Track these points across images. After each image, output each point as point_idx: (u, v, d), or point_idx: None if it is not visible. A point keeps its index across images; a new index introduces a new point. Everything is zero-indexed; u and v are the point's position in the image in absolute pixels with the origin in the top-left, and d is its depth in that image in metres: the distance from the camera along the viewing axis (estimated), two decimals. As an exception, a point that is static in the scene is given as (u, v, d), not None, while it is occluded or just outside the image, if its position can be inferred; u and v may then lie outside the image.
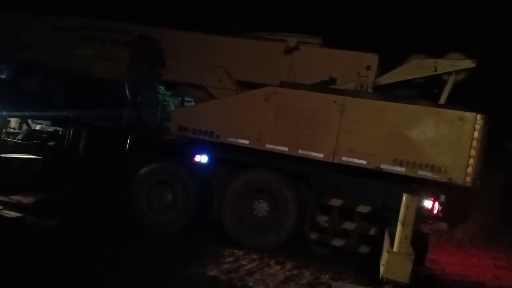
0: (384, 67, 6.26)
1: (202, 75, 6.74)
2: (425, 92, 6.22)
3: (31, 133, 8.60)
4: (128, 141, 6.77)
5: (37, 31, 7.47)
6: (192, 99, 7.67)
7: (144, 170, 6.60)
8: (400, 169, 5.47)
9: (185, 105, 10.41)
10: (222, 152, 6.29)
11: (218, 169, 6.56)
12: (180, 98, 11.13)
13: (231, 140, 6.12)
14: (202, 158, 6.46)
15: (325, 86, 6.14)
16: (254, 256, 5.65)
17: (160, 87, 11.31)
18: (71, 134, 7.21)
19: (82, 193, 6.97)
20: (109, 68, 7.16)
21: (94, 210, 6.80)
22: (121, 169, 6.85)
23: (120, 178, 6.76)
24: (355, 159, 5.64)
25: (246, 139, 6.07)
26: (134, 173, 6.61)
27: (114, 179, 6.83)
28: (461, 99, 5.85)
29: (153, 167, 6.59)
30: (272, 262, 5.52)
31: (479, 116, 5.25)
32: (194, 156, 6.48)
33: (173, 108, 10.82)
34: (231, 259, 5.49)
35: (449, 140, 5.31)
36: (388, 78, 6.17)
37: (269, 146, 5.96)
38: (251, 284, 4.65)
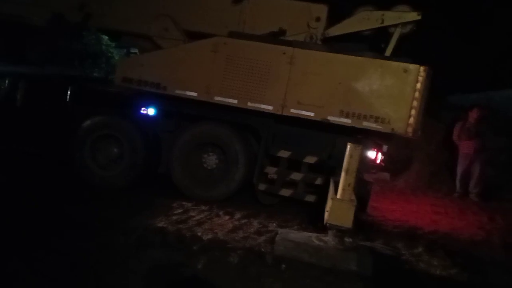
0: (333, 19, 6.24)
1: (147, 24, 6.43)
2: (374, 45, 6.29)
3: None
4: (69, 92, 6.45)
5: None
6: (137, 50, 7.35)
7: (87, 123, 6.35)
8: (346, 121, 5.58)
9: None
10: (170, 105, 6.14)
11: (165, 122, 6.43)
12: (125, 49, 10.66)
13: (178, 92, 5.97)
14: (148, 111, 6.30)
15: (275, 37, 6.05)
16: (203, 208, 5.68)
17: (104, 37, 10.81)
18: (6, 85, 6.74)
19: (21, 147, 6.62)
20: (46, 15, 6.67)
21: (35, 165, 6.53)
22: (63, 122, 6.55)
23: (62, 132, 6.47)
24: (303, 111, 5.68)
25: (195, 91, 5.93)
26: (77, 127, 6.35)
27: (55, 133, 6.53)
28: (407, 52, 5.96)
29: (96, 120, 6.35)
30: (221, 212, 5.58)
31: (422, 68, 5.38)
32: (140, 109, 6.29)
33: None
34: (180, 210, 5.50)
35: (393, 91, 5.44)
36: (337, 30, 6.16)
37: (218, 99, 5.87)
38: (199, 234, 4.69)
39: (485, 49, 12.87)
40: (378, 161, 6.00)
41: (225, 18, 6.29)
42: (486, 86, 11.41)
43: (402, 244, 5.22)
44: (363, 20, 6.00)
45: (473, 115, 8.49)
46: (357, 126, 5.56)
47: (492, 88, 11.19)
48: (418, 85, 5.38)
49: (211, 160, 6.21)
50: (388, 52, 5.96)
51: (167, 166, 6.29)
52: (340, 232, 4.32)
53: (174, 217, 5.23)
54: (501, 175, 8.73)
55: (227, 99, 5.83)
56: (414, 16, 5.85)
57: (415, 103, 5.40)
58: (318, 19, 6.10)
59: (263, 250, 4.41)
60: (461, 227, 6.45)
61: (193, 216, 5.33)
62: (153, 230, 4.69)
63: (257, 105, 5.78)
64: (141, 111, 6.32)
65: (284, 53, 5.68)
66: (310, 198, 5.89)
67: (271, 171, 6.00)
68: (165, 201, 5.76)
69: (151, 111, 6.31)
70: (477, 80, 12.04)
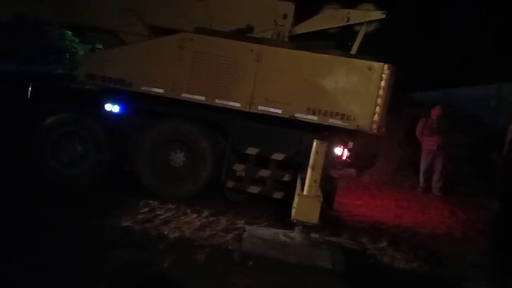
0: (300, 17, 6.29)
1: (112, 19, 6.28)
2: (341, 43, 6.37)
3: None
4: (29, 89, 6.23)
5: None
6: (102, 46, 7.17)
7: (49, 120, 6.15)
8: (313, 118, 5.64)
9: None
10: (135, 102, 6.03)
11: (131, 119, 6.30)
12: (90, 45, 10.40)
13: (144, 88, 5.86)
14: (113, 108, 6.16)
15: (242, 34, 6.04)
16: (170, 206, 5.62)
17: (68, 32, 10.51)
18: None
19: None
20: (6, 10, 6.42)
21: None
22: (25, 120, 6.33)
23: (24, 130, 6.25)
24: (271, 108, 5.70)
25: (161, 88, 5.85)
26: (39, 124, 6.14)
27: (17, 130, 6.30)
28: (371, 50, 6.07)
29: (59, 118, 6.16)
30: (188, 210, 5.53)
31: (386, 66, 5.49)
32: (104, 106, 6.15)
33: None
34: (146, 209, 5.42)
35: (358, 89, 5.53)
36: (304, 28, 6.20)
37: (185, 95, 5.81)
38: (166, 233, 4.64)
39: (446, 48, 13.27)
40: (344, 158, 6.09)
41: (192, 14, 6.21)
42: (446, 84, 11.79)
43: (367, 238, 5.34)
44: (330, 18, 6.06)
45: (435, 112, 8.76)
46: (324, 123, 5.62)
47: (451, 86, 11.58)
48: (382, 83, 5.49)
49: (178, 157, 6.14)
50: (353, 50, 6.04)
51: (133, 164, 6.19)
52: (307, 228, 4.37)
53: (140, 216, 5.15)
54: (461, 170, 9.06)
55: (195, 96, 5.78)
56: (378, 14, 5.96)
57: (379, 101, 5.51)
58: (285, 17, 6.12)
59: (230, 247, 4.40)
60: (423, 221, 6.65)
61: (160, 215, 5.27)
62: (119, 230, 4.62)
63: (224, 102, 5.76)
64: (106, 108, 6.18)
65: (251, 50, 5.68)
66: (278, 194, 5.93)
67: (239, 168, 5.99)
68: (131, 200, 5.67)
69: (116, 108, 6.17)
70: (437, 78, 12.40)
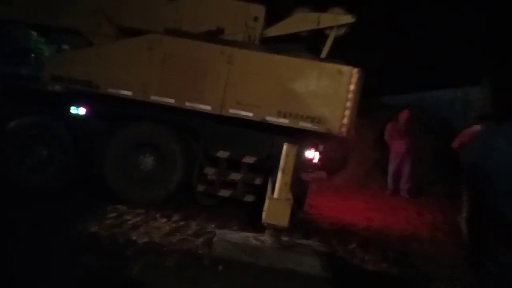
0: (271, 19, 6.30)
1: (79, 20, 6.12)
2: (312, 46, 6.41)
3: None
4: (-8, 91, 6.01)
5: None
6: (68, 46, 6.98)
7: (13, 124, 5.94)
8: (284, 121, 5.64)
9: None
10: (103, 104, 5.89)
11: (99, 122, 6.15)
12: (56, 46, 10.11)
13: (112, 91, 5.74)
14: (79, 110, 6.00)
15: (213, 36, 6.00)
16: (139, 211, 5.50)
17: (33, 32, 10.18)
18: None
19: None
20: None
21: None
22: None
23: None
24: (242, 112, 5.68)
25: (129, 90, 5.73)
26: (1, 128, 5.92)
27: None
28: (342, 54, 6.13)
29: (23, 121, 5.96)
30: (158, 215, 5.43)
31: (355, 70, 5.55)
32: (70, 108, 5.98)
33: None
34: (114, 214, 5.28)
35: (328, 92, 5.57)
36: (275, 31, 6.21)
37: (154, 98, 5.72)
38: (134, 238, 4.54)
39: (417, 52, 13.59)
40: (315, 161, 6.12)
41: (161, 15, 6.12)
42: (418, 87, 12.05)
43: (337, 240, 5.38)
44: (300, 22, 6.09)
45: (403, 115, 8.93)
46: (294, 126, 5.64)
47: (423, 89, 11.84)
48: (352, 87, 5.55)
49: (147, 161, 6.02)
50: (324, 54, 6.10)
51: (101, 168, 6.03)
52: (277, 231, 4.36)
53: (108, 221, 5.02)
54: (429, 172, 9.27)
55: (164, 99, 5.70)
56: (348, 18, 6.03)
57: (348, 104, 5.56)
58: (256, 19, 6.12)
59: (200, 252, 4.34)
60: (392, 222, 6.76)
61: (128, 220, 5.15)
62: (86, 235, 4.49)
63: (195, 105, 5.70)
64: (72, 111, 6.01)
65: (222, 53, 5.64)
66: (250, 198, 5.90)
67: (210, 171, 5.93)
68: (99, 205, 5.52)
69: (82, 111, 6.01)
70: (409, 81, 12.67)
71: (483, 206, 3.77)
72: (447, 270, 4.79)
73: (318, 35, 6.25)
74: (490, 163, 3.34)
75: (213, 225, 5.30)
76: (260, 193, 5.54)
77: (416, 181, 8.91)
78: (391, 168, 8.86)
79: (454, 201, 8.18)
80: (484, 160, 3.40)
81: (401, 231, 6.30)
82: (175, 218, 5.42)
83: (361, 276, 4.36)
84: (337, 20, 6.01)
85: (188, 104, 5.69)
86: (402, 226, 6.59)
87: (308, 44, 6.41)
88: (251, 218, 5.50)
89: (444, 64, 12.59)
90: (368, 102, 8.68)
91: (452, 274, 4.66)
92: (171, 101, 5.69)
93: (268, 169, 5.68)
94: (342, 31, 6.10)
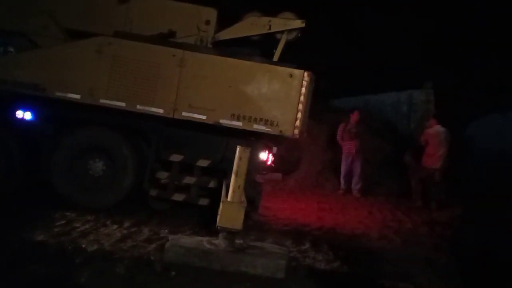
0: (224, 23, 6.32)
1: (24, 21, 5.91)
2: (266, 50, 6.48)
3: None
4: None
5: None
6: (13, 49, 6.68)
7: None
8: (238, 124, 5.68)
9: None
10: (50, 108, 5.70)
11: (46, 127, 5.93)
12: (1, 48, 9.64)
13: (59, 94, 5.56)
14: (25, 114, 5.76)
15: (164, 39, 5.94)
16: (89, 217, 5.35)
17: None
18: None
19: None
20: None
21: None
22: None
23: None
24: (195, 114, 5.66)
25: (77, 94, 5.58)
26: None
27: None
28: (294, 58, 6.24)
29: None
30: (108, 221, 5.30)
31: (306, 73, 5.67)
32: (15, 112, 5.74)
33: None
34: (63, 221, 5.12)
35: (280, 95, 5.66)
36: (227, 34, 6.24)
37: (104, 101, 5.59)
38: (83, 246, 4.40)
39: (364, 57, 14.11)
40: (269, 163, 6.19)
41: (110, 17, 6.01)
42: (364, 90, 12.51)
43: (290, 241, 5.46)
44: (251, 26, 6.15)
45: (353, 117, 9.21)
46: (248, 128, 5.69)
47: (369, 92, 12.30)
48: (303, 90, 5.66)
49: (97, 166, 5.86)
50: (275, 58, 6.18)
51: (49, 174, 5.81)
52: (231, 234, 4.37)
53: (56, 229, 4.86)
54: (377, 172, 9.62)
55: (114, 102, 5.58)
56: (298, 23, 6.14)
57: (300, 107, 5.67)
58: (207, 22, 6.12)
59: (152, 258, 4.27)
60: (343, 222, 6.95)
61: (77, 227, 4.99)
62: (32, 244, 4.31)
63: (147, 108, 5.62)
64: (17, 115, 5.76)
65: (173, 55, 5.60)
66: (204, 201, 5.87)
67: (163, 175, 5.86)
68: (46, 212, 5.33)
69: (28, 115, 5.78)
70: (356, 85, 13.13)
71: None
72: (394, 266, 4.98)
73: (270, 39, 6.34)
74: None
75: (166, 230, 5.24)
76: (215, 196, 5.52)
77: (367, 181, 9.22)
78: (343, 169, 9.11)
79: (400, 199, 8.58)
80: None
81: (352, 230, 6.49)
82: (126, 224, 5.31)
83: (313, 276, 4.44)
84: (287, 24, 6.11)
85: (139, 108, 5.60)
86: (353, 225, 6.79)
87: (261, 48, 6.49)
88: (206, 222, 5.49)
89: (388, 68, 13.16)
90: (318, 105, 8.92)
91: (398, 269, 4.86)
92: (122, 104, 5.59)
93: (222, 172, 5.68)
94: (292, 35, 6.21)
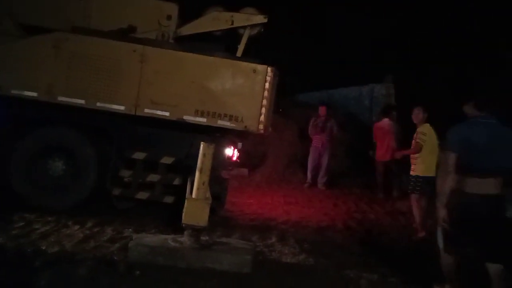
0: (186, 18, 6.24)
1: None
2: (231, 46, 6.45)
3: None
4: None
5: None
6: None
7: None
8: (202, 120, 5.64)
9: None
10: (5, 106, 5.47)
11: (2, 126, 5.70)
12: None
13: (15, 92, 5.38)
14: (-23, 113, 5.52)
15: (124, 34, 5.81)
16: (49, 219, 5.19)
17: None
18: None
19: None
20: None
21: None
22: None
23: None
24: (157, 111, 5.59)
25: (34, 91, 5.41)
26: None
27: None
28: (259, 54, 6.24)
29: None
30: (70, 222, 5.15)
31: (269, 69, 5.69)
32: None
33: None
34: (22, 223, 4.95)
35: (244, 91, 5.66)
36: (189, 29, 6.18)
37: (62, 99, 5.44)
38: (44, 248, 4.26)
39: (328, 52, 14.32)
40: (234, 158, 6.19)
41: (68, 12, 5.84)
42: (328, 85, 12.71)
43: (257, 236, 5.47)
44: (214, 21, 6.11)
45: (321, 111, 9.34)
46: (213, 124, 5.66)
47: (333, 87, 12.50)
48: (267, 85, 5.68)
49: (57, 166, 5.69)
50: (239, 53, 6.17)
51: (7, 175, 5.58)
52: (196, 231, 4.34)
53: (14, 231, 4.69)
54: (342, 165, 9.79)
55: (73, 99, 5.45)
56: (261, 19, 6.15)
57: (264, 102, 5.69)
58: (169, 18, 6.04)
59: (116, 258, 4.18)
60: (309, 214, 7.04)
61: (37, 229, 4.83)
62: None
63: (107, 105, 5.51)
64: (-32, 114, 5.52)
65: (134, 51, 5.51)
66: (169, 199, 5.81)
67: (126, 174, 5.75)
68: (3, 214, 5.12)
69: (-18, 114, 5.54)
70: (320, 79, 13.31)
71: None
72: (358, 257, 5.08)
73: (234, 35, 6.32)
74: None
75: (130, 230, 5.14)
76: (180, 193, 5.47)
77: (332, 174, 9.37)
78: (310, 162, 9.22)
79: (364, 191, 8.77)
80: None
81: (318, 222, 6.58)
82: (89, 224, 5.18)
83: (279, 269, 4.47)
84: (249, 20, 6.11)
85: (99, 105, 5.48)
86: (319, 218, 6.88)
87: (225, 44, 6.46)
88: (171, 220, 5.43)
89: (351, 62, 13.42)
90: (283, 100, 8.98)
91: (362, 260, 4.96)
92: (81, 101, 5.46)
93: (187, 169, 5.62)
94: (255, 30, 6.23)
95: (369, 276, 4.38)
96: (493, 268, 3.69)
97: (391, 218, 7.23)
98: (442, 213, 3.85)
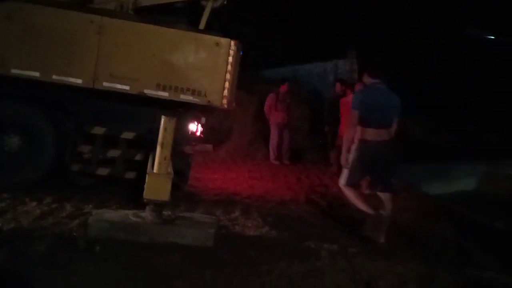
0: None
1: None
2: (193, 19, 6.29)
3: None
4: None
5: None
6: None
7: None
8: (164, 94, 5.53)
9: None
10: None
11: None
12: None
13: (-36, 65, 5.08)
14: None
15: (81, 5, 5.57)
16: (5, 196, 5.01)
17: None
18: None
19: None
20: None
21: None
22: None
23: None
24: (117, 85, 5.43)
25: (-15, 64, 5.13)
26: None
27: None
28: (223, 28, 6.12)
29: None
30: (27, 199, 5.00)
31: (232, 42, 5.60)
32: None
33: None
34: (-25, 202, 4.77)
35: (207, 64, 5.57)
36: (149, 0, 5.98)
37: (15, 72, 5.20)
38: (-1, 225, 4.14)
39: (293, 28, 14.27)
40: (198, 133, 6.12)
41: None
42: (293, 61, 12.70)
43: (221, 210, 5.50)
44: (173, -8, 5.93)
45: (283, 88, 9.34)
46: (175, 99, 5.56)
47: (297, 63, 12.51)
48: (230, 59, 5.60)
49: (12, 142, 5.46)
50: (201, 26, 6.03)
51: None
52: (158, 206, 4.31)
53: (-32, 210, 4.52)
54: (304, 140, 9.91)
55: (27, 72, 5.21)
56: (223, -10, 6.02)
57: (228, 76, 5.62)
58: (128, -13, 5.81)
59: (75, 234, 4.12)
60: (273, 189, 7.13)
61: (-8, 207, 4.68)
62: None
63: (63, 78, 5.30)
64: None
65: (91, 22, 5.29)
66: (130, 175, 5.71)
67: (86, 149, 5.60)
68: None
69: None
70: (285, 55, 13.28)
71: None
72: (319, 229, 5.20)
73: (196, 8, 6.17)
74: None
75: (90, 206, 5.04)
76: (142, 169, 5.38)
77: (295, 149, 9.48)
78: (273, 138, 9.27)
79: (327, 165, 8.92)
80: None
81: (281, 197, 6.67)
82: (47, 200, 5.05)
83: (242, 242, 4.52)
84: (212, -9, 5.96)
85: (55, 78, 5.27)
86: (282, 192, 6.98)
87: (187, 17, 6.30)
88: (133, 196, 5.35)
89: (316, 38, 13.43)
90: (248, 75, 8.93)
91: (323, 232, 5.08)
92: (36, 74, 5.23)
93: (149, 144, 5.51)
94: (218, 3, 6.08)
95: (329, 247, 4.49)
96: (385, 196, 4.93)
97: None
98: (346, 156, 4.91)
